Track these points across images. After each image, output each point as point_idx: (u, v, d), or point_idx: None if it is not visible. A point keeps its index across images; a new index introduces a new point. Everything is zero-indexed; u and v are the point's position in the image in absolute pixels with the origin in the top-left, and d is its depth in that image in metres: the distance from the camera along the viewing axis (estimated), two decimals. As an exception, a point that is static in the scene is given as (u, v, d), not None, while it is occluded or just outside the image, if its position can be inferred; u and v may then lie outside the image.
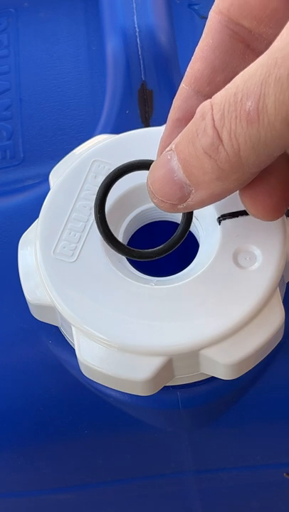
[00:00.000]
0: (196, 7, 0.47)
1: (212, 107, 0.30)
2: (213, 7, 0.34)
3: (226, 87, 0.30)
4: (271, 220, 0.34)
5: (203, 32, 0.34)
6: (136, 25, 0.43)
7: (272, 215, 0.33)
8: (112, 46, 0.44)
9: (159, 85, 0.43)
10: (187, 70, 0.34)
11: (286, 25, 0.29)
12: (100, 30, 0.45)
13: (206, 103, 0.31)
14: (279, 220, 0.35)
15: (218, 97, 0.30)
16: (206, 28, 0.34)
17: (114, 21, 0.44)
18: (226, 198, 0.34)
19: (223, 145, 0.30)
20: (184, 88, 0.34)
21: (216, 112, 0.30)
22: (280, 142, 0.29)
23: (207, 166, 0.31)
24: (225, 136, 0.30)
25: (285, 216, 0.36)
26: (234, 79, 0.30)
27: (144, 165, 0.35)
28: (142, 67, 0.43)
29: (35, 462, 0.41)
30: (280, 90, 0.28)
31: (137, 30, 0.43)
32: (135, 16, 0.44)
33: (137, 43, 0.43)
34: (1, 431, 0.39)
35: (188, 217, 0.35)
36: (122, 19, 0.44)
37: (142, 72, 0.43)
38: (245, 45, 0.33)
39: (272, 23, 0.32)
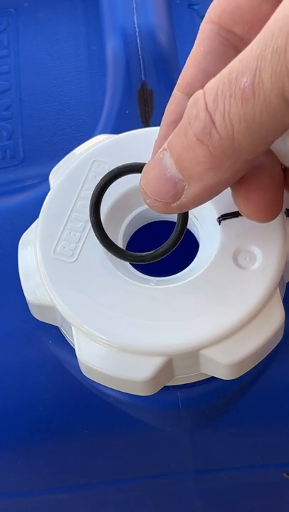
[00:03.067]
0: (196, 7, 0.47)
1: (204, 92, 0.30)
2: (205, 18, 0.34)
3: (220, 72, 0.29)
4: (265, 221, 0.34)
5: (195, 42, 0.34)
6: (136, 25, 0.43)
7: (266, 215, 0.33)
8: (112, 46, 0.44)
9: (159, 85, 0.43)
10: (179, 77, 0.34)
11: (284, 0, 0.28)
12: (100, 30, 0.45)
13: (199, 91, 0.30)
14: (279, 220, 0.35)
15: (212, 81, 0.30)
16: (198, 38, 0.34)
17: (114, 21, 0.44)
18: (226, 198, 0.34)
19: (216, 128, 0.29)
20: (177, 94, 0.34)
21: (208, 95, 0.29)
22: (275, 122, 0.29)
23: (199, 155, 0.30)
24: (218, 117, 0.29)
25: (285, 216, 0.36)
26: (230, 63, 0.29)
27: (137, 168, 0.34)
28: (142, 67, 0.43)
29: (35, 462, 0.41)
30: (277, 62, 0.27)
31: (137, 30, 0.43)
32: (135, 16, 0.44)
33: (137, 43, 0.43)
34: (1, 431, 0.39)
35: (184, 219, 0.35)
36: (122, 19, 0.44)
37: (142, 72, 0.43)
38: (237, 51, 0.33)
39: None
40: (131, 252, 0.36)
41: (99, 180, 0.35)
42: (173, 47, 0.44)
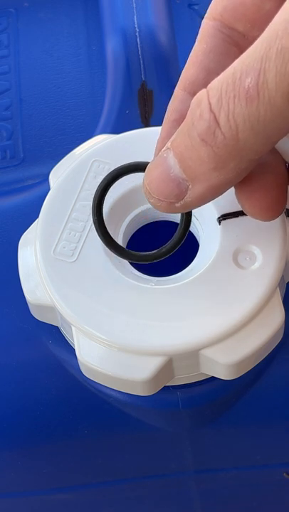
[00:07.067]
0: (196, 7, 0.47)
1: (208, 92, 0.30)
2: (207, 14, 0.34)
3: (223, 72, 0.29)
4: (268, 220, 0.34)
5: (197, 39, 0.34)
6: (136, 25, 0.43)
7: (269, 213, 0.33)
8: (112, 46, 0.44)
9: (159, 85, 0.43)
10: (181, 75, 0.34)
11: (287, 0, 0.28)
12: (100, 30, 0.45)
13: (202, 91, 0.30)
14: (279, 220, 0.35)
15: (215, 81, 0.29)
16: (200, 35, 0.34)
17: (114, 21, 0.44)
18: (226, 198, 0.34)
19: (220, 128, 0.29)
20: (179, 92, 0.34)
21: (212, 95, 0.29)
22: (280, 122, 0.28)
23: (203, 155, 0.30)
24: (222, 118, 0.29)
25: (285, 216, 0.36)
26: (233, 63, 0.29)
27: (140, 167, 0.34)
28: (142, 67, 0.43)
29: (35, 462, 0.41)
30: (281, 62, 0.27)
31: (137, 30, 0.43)
32: (135, 16, 0.44)
33: (137, 43, 0.43)
34: (1, 431, 0.39)
35: (187, 218, 0.35)
36: (122, 19, 0.44)
37: (142, 72, 0.43)
38: (239, 49, 0.33)
39: (266, 25, 0.30)
40: (134, 252, 0.36)
41: (99, 180, 0.35)
42: (173, 47, 0.44)
